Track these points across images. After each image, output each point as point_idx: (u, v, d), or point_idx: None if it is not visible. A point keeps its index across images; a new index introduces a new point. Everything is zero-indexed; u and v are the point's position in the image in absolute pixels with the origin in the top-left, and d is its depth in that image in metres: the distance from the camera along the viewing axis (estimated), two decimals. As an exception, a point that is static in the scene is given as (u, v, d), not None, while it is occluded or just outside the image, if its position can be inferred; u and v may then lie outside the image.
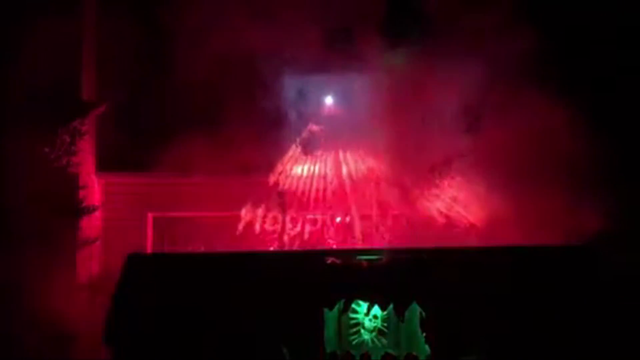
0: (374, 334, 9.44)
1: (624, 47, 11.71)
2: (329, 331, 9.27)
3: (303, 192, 11.62)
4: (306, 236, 11.49)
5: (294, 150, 11.85)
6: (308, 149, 11.81)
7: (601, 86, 11.45)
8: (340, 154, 11.91)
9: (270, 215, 11.51)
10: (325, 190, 11.64)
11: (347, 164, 11.83)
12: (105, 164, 12.30)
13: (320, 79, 12.56)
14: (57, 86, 11.17)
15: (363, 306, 9.37)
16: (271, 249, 11.42)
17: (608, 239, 10.34)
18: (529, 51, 11.11)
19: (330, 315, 9.23)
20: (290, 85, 12.11)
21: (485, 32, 11.34)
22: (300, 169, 11.79)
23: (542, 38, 11.22)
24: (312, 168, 11.79)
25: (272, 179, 11.69)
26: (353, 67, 12.53)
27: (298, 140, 11.87)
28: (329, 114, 12.14)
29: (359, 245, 11.19)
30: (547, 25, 11.42)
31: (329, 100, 12.20)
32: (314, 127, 11.93)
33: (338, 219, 11.57)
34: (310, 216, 11.60)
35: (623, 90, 11.55)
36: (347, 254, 9.41)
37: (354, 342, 9.46)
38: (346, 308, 9.21)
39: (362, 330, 9.45)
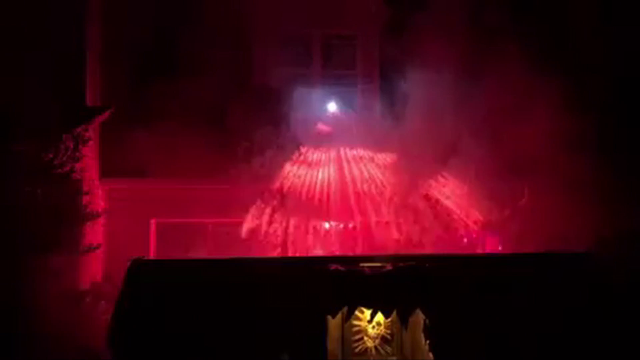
0: (377, 341, 9.43)
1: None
2: (332, 338, 9.26)
3: (307, 197, 11.64)
4: (309, 242, 11.52)
5: (298, 155, 11.88)
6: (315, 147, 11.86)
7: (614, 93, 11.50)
8: (343, 156, 11.96)
9: (273, 221, 11.54)
10: (329, 195, 11.67)
11: (350, 171, 11.87)
12: (108, 170, 12.32)
13: (324, 84, 12.65)
14: (61, 92, 11.18)
15: (366, 313, 9.36)
16: (274, 255, 11.44)
17: (610, 245, 10.39)
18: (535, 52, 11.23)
19: (333, 323, 9.22)
20: (293, 90, 12.14)
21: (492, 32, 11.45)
22: (304, 174, 11.81)
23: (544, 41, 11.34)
24: (316, 173, 11.82)
25: (275, 184, 11.71)
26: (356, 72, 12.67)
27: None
28: (333, 119, 12.19)
29: (362, 251, 11.22)
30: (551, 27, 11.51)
31: (332, 106, 12.24)
32: (323, 127, 11.97)
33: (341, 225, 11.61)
34: (313, 222, 11.66)
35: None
36: (351, 261, 9.40)
37: (357, 350, 9.44)
38: (349, 315, 9.20)
39: (365, 338, 9.44)
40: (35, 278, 10.42)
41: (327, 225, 11.74)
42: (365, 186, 11.69)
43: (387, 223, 11.55)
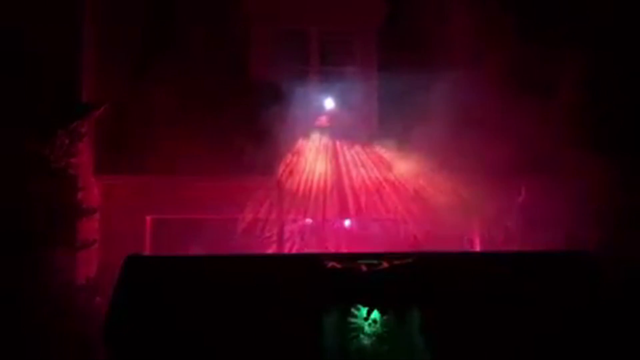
0: (373, 338, 9.39)
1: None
2: (328, 336, 9.22)
3: (304, 194, 11.63)
4: (305, 239, 11.50)
5: (295, 151, 11.87)
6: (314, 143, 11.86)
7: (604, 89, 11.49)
8: (341, 151, 11.96)
9: (270, 217, 11.53)
10: (325, 191, 11.67)
11: (347, 166, 11.87)
12: (104, 166, 12.28)
13: (322, 80, 12.63)
14: (57, 88, 11.14)
15: (362, 310, 9.32)
16: (270, 252, 11.41)
17: (608, 244, 10.39)
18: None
19: (329, 320, 9.18)
20: (291, 86, 12.12)
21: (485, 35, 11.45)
22: (301, 170, 11.80)
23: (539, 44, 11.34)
24: (314, 169, 11.81)
25: (272, 181, 11.69)
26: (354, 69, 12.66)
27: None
28: (331, 114, 12.17)
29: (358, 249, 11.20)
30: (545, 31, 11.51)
31: (329, 102, 12.22)
32: (321, 123, 11.97)
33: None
34: (309, 220, 11.64)
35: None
36: (347, 258, 9.37)
37: (353, 348, 9.40)
38: (345, 313, 9.17)
39: (362, 335, 9.39)
40: (32, 275, 10.38)
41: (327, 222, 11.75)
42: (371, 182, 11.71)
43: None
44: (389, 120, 12.12)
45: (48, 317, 10.31)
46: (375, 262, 9.19)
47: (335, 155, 12.04)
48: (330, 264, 9.16)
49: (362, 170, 11.97)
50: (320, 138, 12.05)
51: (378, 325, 9.40)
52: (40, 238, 10.44)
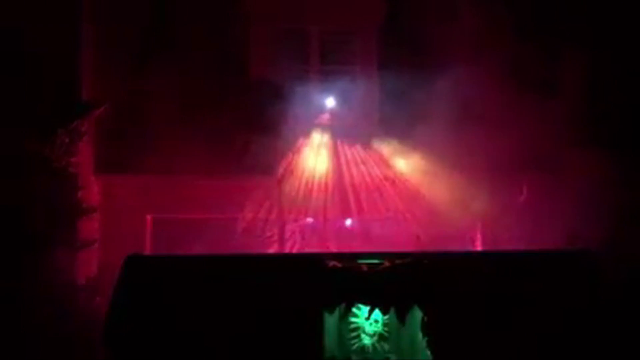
0: (374, 338, 9.38)
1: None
2: (329, 335, 9.21)
3: (305, 193, 11.63)
4: (306, 239, 11.50)
5: (295, 150, 11.86)
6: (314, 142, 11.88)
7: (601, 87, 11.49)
8: (342, 150, 11.96)
9: (270, 217, 11.52)
10: (326, 191, 11.66)
11: (347, 164, 11.87)
12: (104, 165, 12.27)
13: (322, 79, 12.62)
14: (57, 87, 11.13)
15: (364, 310, 9.31)
16: (271, 251, 11.40)
17: (608, 243, 10.37)
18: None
19: (331, 320, 9.17)
20: (291, 85, 12.10)
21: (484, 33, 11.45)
22: (302, 169, 11.80)
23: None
24: (314, 168, 11.80)
25: (273, 180, 11.68)
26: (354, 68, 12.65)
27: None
28: (332, 114, 12.17)
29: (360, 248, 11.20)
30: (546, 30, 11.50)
31: (330, 101, 12.20)
32: (321, 122, 11.96)
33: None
34: (310, 219, 11.64)
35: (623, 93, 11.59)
36: (348, 258, 9.35)
37: (354, 347, 9.39)
38: (347, 312, 9.15)
39: (363, 335, 9.39)
40: (33, 275, 10.37)
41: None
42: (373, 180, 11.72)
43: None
44: (390, 119, 12.09)
45: (48, 317, 10.30)
46: (376, 261, 9.18)
47: (336, 154, 12.03)
48: (332, 263, 9.14)
49: (362, 168, 11.96)
50: (321, 137, 12.05)
51: (379, 324, 9.40)
52: (40, 238, 10.43)
